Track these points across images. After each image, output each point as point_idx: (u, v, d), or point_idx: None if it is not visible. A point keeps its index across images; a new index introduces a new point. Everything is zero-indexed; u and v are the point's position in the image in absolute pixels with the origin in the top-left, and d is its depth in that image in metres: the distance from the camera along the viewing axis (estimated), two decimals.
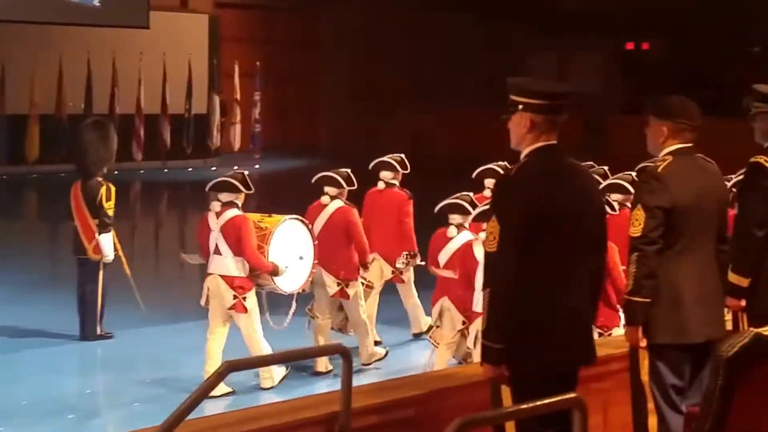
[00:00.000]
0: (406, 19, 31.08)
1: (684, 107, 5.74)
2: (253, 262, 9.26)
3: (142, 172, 25.20)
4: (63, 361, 10.53)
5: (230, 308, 9.26)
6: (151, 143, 26.29)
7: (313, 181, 10.22)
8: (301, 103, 31.97)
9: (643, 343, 5.58)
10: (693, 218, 5.57)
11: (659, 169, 5.60)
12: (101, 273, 10.98)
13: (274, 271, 9.31)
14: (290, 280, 9.56)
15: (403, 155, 11.20)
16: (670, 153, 5.66)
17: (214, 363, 9.01)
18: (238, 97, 27.92)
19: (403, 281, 10.92)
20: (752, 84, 6.65)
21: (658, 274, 5.50)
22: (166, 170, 26.30)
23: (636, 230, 5.51)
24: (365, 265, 10.20)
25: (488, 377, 4.93)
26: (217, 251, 9.29)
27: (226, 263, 9.27)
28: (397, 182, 10.98)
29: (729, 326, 6.16)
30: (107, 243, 10.95)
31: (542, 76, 5.85)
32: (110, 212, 10.97)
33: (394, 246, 10.66)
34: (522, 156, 5.04)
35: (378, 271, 10.81)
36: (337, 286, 9.92)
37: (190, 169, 26.60)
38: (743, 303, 6.33)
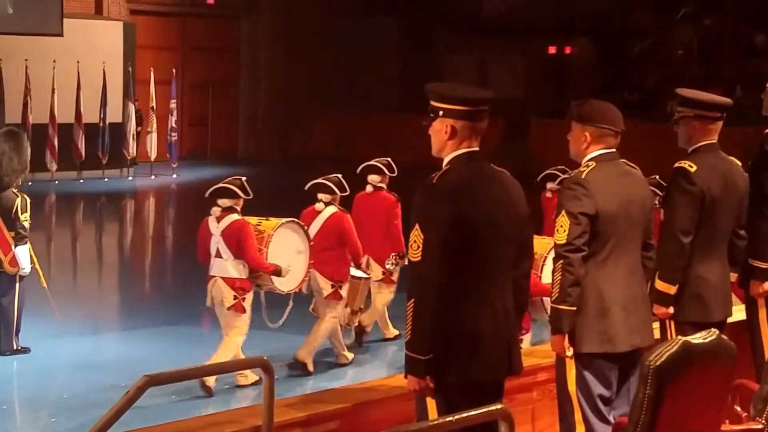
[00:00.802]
0: (323, 24, 31.09)
1: (606, 112, 5.67)
2: (255, 264, 9.68)
3: (56, 182, 24.80)
4: None
5: (230, 308, 9.64)
6: (66, 153, 25.86)
7: (306, 188, 10.58)
8: (218, 111, 31.76)
9: (570, 352, 5.52)
10: (618, 225, 5.52)
11: (583, 175, 5.55)
12: (17, 286, 10.76)
13: (276, 272, 9.71)
14: (288, 280, 9.97)
15: (389, 159, 11.55)
16: (593, 159, 5.62)
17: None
18: (154, 105, 27.60)
19: (393, 282, 11.32)
20: (675, 87, 6.65)
21: (583, 281, 5.45)
22: (81, 180, 25.91)
23: (560, 237, 5.43)
24: (359, 266, 10.68)
25: (413, 389, 4.86)
26: (218, 254, 9.69)
27: (227, 266, 9.66)
28: (384, 185, 11.38)
29: (657, 334, 6.13)
30: (24, 255, 10.73)
31: (463, 82, 5.76)
32: (26, 224, 10.75)
33: (383, 247, 11.14)
34: (444, 163, 4.98)
35: None
36: (331, 288, 10.36)
37: (106, 179, 26.22)
38: (671, 310, 6.30)
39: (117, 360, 10.74)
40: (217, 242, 9.69)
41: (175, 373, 4.83)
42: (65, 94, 25.69)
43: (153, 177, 26.71)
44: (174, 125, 28.02)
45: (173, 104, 28.05)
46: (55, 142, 25.60)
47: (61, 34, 24.98)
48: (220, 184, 9.90)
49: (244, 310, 9.68)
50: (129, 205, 24.41)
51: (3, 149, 10.90)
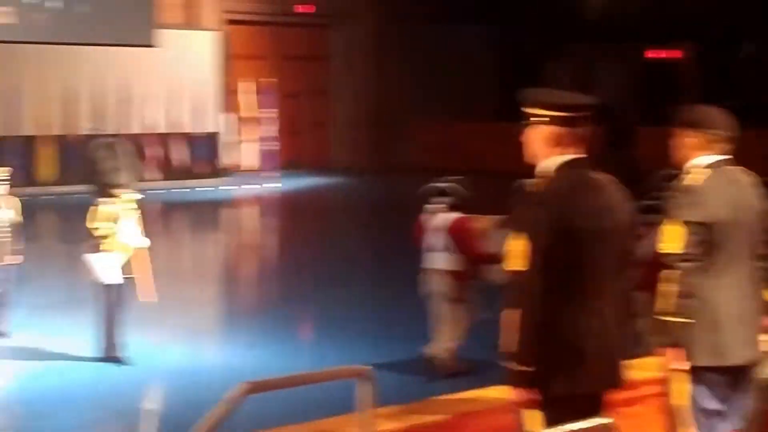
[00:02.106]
0: (418, 32, 31.02)
1: (716, 117, 5.54)
2: (475, 256, 10.31)
3: (153, 192, 25.12)
4: None
5: (446, 299, 10.32)
6: (162, 163, 26.21)
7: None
8: (312, 120, 31.89)
9: (681, 365, 5.38)
10: (731, 233, 5.37)
11: (695, 182, 5.41)
12: (104, 295, 10.92)
13: (491, 262, 10.06)
14: (497, 273, 10.35)
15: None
16: (705, 165, 5.48)
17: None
18: (250, 114, 27.82)
19: None
20: None
21: (696, 293, 5.32)
22: (177, 190, 26.20)
23: (672, 246, 5.30)
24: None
25: (518, 401, 4.77)
26: (436, 248, 10.40)
27: (444, 258, 10.36)
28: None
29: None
30: (99, 264, 10.87)
31: (562, 87, 5.65)
32: (98, 233, 10.83)
33: None
34: (544, 170, 4.88)
35: None
36: None
37: (202, 189, 26.49)
38: None
39: (217, 368, 10.81)
40: (435, 237, 10.39)
41: (275, 381, 4.85)
42: (161, 104, 26.04)
43: (249, 186, 26.92)
44: (269, 134, 28.23)
45: (268, 113, 28.25)
46: (156, 153, 25.95)
47: (155, 45, 25.31)
48: (439, 184, 10.67)
49: (461, 302, 10.31)
50: (225, 214, 24.62)
51: (101, 158, 11.05)
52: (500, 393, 5.09)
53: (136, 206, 11.07)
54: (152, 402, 10.33)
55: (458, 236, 10.33)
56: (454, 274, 10.35)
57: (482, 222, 10.86)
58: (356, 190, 27.55)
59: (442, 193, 10.69)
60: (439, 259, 10.43)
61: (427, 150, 30.14)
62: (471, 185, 10.84)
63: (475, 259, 10.39)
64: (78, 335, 11.63)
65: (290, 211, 25.17)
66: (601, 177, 4.95)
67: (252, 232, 23.29)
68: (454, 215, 10.47)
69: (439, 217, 10.50)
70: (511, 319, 4.69)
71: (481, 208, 11.06)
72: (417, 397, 6.31)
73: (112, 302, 10.89)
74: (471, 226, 10.42)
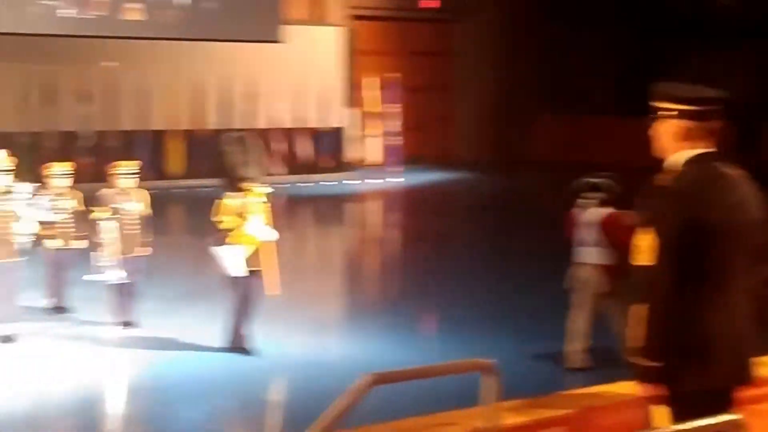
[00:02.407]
0: (542, 27, 30.82)
1: None
2: (627, 251, 10.24)
3: (280, 186, 25.42)
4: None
5: (598, 293, 10.42)
6: (288, 158, 26.50)
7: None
8: (437, 114, 31.89)
9: None
10: None
11: None
12: (233, 288, 11.12)
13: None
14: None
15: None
16: None
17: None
18: (377, 109, 27.96)
19: None
20: None
21: None
22: (307, 184, 26.48)
23: None
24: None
25: (646, 397, 4.73)
26: (587, 243, 10.57)
27: (595, 253, 10.51)
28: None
29: None
30: (226, 256, 11.04)
31: (691, 81, 5.57)
32: (221, 225, 11.00)
33: None
34: (673, 165, 4.82)
35: None
36: None
37: (329, 183, 26.73)
38: None
39: (340, 360, 10.91)
40: (587, 231, 10.56)
41: (400, 373, 4.89)
42: (288, 99, 26.32)
43: (374, 180, 27.06)
44: (394, 129, 28.32)
45: (394, 108, 28.34)
46: (282, 147, 26.25)
47: (281, 41, 25.57)
48: (591, 179, 10.77)
49: (611, 296, 10.29)
50: (353, 209, 24.78)
51: (231, 152, 11.22)
52: (627, 388, 5.05)
53: (264, 200, 11.21)
54: (278, 392, 10.47)
55: (610, 231, 10.41)
56: (606, 269, 10.46)
57: (633, 218, 10.86)
58: (480, 185, 27.49)
59: (594, 188, 10.76)
60: (591, 254, 10.58)
61: (552, 145, 29.94)
62: (621, 180, 10.82)
63: (626, 254, 10.38)
64: (206, 326, 11.86)
65: (413, 206, 25.23)
66: (733, 171, 4.87)
67: (375, 226, 23.41)
68: (607, 210, 10.57)
69: (591, 212, 10.62)
70: (639, 314, 4.65)
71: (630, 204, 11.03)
72: (543, 392, 6.28)
73: (240, 294, 11.06)
74: (623, 222, 10.38)
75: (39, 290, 12.61)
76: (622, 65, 30.92)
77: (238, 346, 11.09)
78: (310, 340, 11.79)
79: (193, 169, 24.98)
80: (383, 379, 4.47)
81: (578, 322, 10.58)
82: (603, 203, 10.64)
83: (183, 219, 22.97)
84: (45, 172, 12.65)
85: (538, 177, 25.72)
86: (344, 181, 26.95)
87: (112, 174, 12.13)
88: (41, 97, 23.75)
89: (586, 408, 5.52)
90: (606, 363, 9.87)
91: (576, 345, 10.55)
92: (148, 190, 12.51)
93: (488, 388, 4.81)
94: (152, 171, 23.70)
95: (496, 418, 4.81)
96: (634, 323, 4.69)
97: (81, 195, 12.63)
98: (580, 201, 10.73)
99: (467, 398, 5.31)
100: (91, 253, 11.97)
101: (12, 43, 23.21)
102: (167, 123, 25.27)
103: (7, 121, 23.18)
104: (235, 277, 11.03)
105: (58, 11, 23.88)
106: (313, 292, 15.22)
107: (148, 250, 12.14)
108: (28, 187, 11.86)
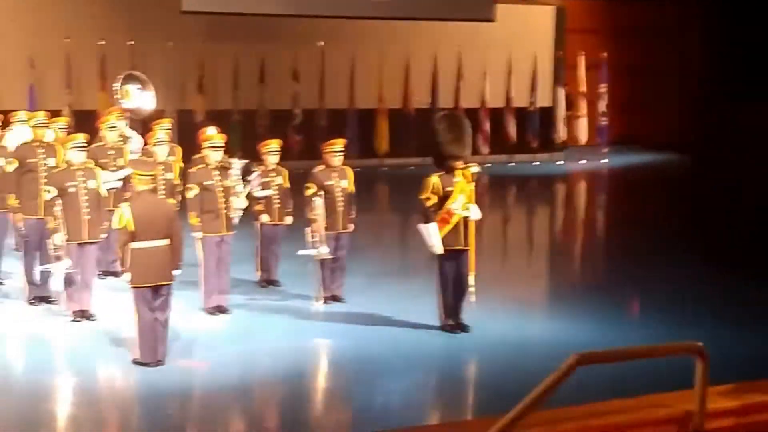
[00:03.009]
0: (753, 5, 29.84)
1: None
2: None
3: (488, 166, 25.46)
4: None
5: None
6: (497, 137, 26.44)
7: None
8: (648, 95, 31.26)
9: None
10: None
11: None
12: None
13: None
14: None
15: None
16: None
17: None
18: (584, 89, 27.62)
19: None
20: None
21: None
22: (512, 164, 26.41)
23: None
24: None
25: None
26: None
27: None
28: None
29: None
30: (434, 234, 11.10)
31: None
32: (431, 203, 11.03)
33: None
34: None
35: None
36: None
37: (537, 163, 26.60)
38: None
39: (543, 339, 10.87)
40: None
41: (606, 353, 4.81)
42: (496, 79, 26.26)
43: (583, 161, 26.77)
44: (604, 110, 27.91)
45: (603, 88, 27.93)
46: (486, 127, 26.22)
47: (493, 20, 25.48)
48: None
49: None
50: (559, 189, 24.60)
51: (441, 130, 11.26)
52: None
53: (472, 178, 11.21)
54: (478, 371, 10.47)
55: None
56: None
57: None
58: (688, 168, 26.92)
59: None
60: None
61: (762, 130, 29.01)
62: None
63: None
64: (410, 303, 11.97)
65: (619, 187, 24.88)
66: None
67: (580, 207, 23.17)
68: None
69: None
70: None
71: None
72: (751, 377, 6.10)
73: (446, 272, 11.10)
74: None
75: (250, 264, 12.95)
76: None
77: (446, 323, 11.14)
78: (514, 320, 11.77)
79: (398, 147, 25.15)
80: (589, 359, 4.41)
81: None
82: None
83: (389, 197, 23.20)
84: (262, 149, 12.94)
85: (743, 162, 24.98)
86: (552, 162, 26.76)
87: (325, 152, 12.34)
88: (252, 77, 24.28)
89: None
90: None
91: None
92: (355, 168, 12.70)
93: (698, 371, 4.70)
94: (360, 149, 23.98)
95: (705, 402, 4.70)
96: None
97: (287, 172, 12.89)
98: None
99: (662, 383, 5.21)
100: (305, 228, 12.21)
101: (226, 23, 23.82)
102: (375, 102, 25.50)
103: (222, 100, 23.82)
104: (442, 255, 11.07)
105: None
106: (516, 272, 15.19)
107: (352, 227, 12.32)
108: (240, 163, 12.18)
